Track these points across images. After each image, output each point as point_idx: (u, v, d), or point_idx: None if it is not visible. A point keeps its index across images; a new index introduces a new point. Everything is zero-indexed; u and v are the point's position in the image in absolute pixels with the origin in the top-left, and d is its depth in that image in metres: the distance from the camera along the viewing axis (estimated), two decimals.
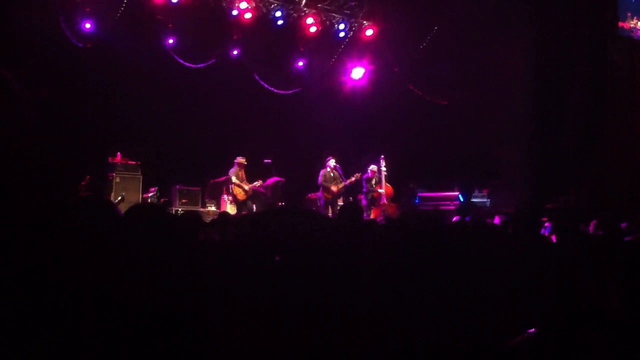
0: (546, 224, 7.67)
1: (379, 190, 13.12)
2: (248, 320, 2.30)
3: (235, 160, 12.55)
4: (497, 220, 8.25)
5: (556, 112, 14.73)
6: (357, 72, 15.44)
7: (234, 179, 12.35)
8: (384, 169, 13.16)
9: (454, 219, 9.83)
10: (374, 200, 13.11)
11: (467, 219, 10.27)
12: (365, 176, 13.22)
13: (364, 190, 13.26)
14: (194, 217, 4.81)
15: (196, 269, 2.12)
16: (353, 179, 13.05)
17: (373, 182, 13.19)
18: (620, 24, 14.82)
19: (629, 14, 15.05)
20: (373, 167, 13.19)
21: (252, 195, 12.63)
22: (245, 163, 12.57)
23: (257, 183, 12.67)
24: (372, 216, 12.56)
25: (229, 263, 2.89)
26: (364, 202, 13.25)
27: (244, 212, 11.57)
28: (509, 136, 14.58)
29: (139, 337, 1.83)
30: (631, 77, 15.19)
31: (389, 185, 13.22)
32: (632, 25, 14.93)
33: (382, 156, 13.18)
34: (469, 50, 14.36)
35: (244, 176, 12.55)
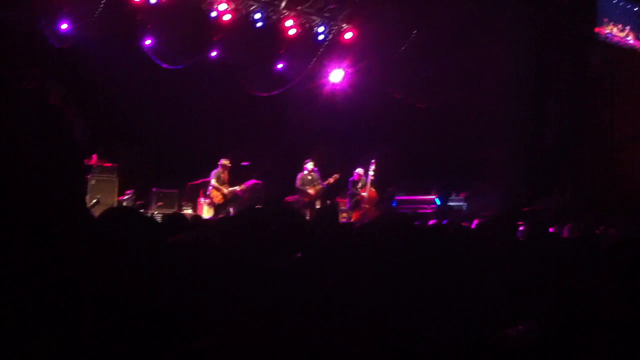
0: (520, 227, 7.72)
1: (362, 194, 13.12)
2: (246, 320, 2.28)
3: (219, 162, 12.45)
4: (474, 223, 8.26)
5: (538, 114, 14.87)
6: (337, 75, 15.45)
7: (213, 181, 12.27)
8: (371, 173, 13.15)
9: (431, 222, 9.88)
10: (357, 203, 13.12)
11: (444, 222, 10.35)
12: (351, 179, 13.25)
13: (349, 192, 13.29)
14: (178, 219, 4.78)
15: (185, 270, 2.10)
16: (331, 180, 13.06)
17: (359, 185, 13.21)
18: (597, 29, 14.98)
19: (605, 20, 15.22)
20: (359, 170, 13.22)
21: (231, 198, 12.54)
22: (229, 165, 12.48)
23: (239, 187, 12.56)
24: (352, 219, 12.56)
25: (222, 264, 2.87)
26: (347, 204, 13.27)
27: (220, 216, 11.50)
28: (490, 139, 14.67)
29: (137, 338, 1.82)
30: (611, 81, 15.39)
31: (373, 189, 13.23)
32: (607, 31, 15.09)
33: (373, 161, 13.17)
34: (449, 52, 14.42)
35: (226, 178, 12.45)
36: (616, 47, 15.25)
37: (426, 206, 13.69)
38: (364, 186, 13.19)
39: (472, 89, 14.56)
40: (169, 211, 12.20)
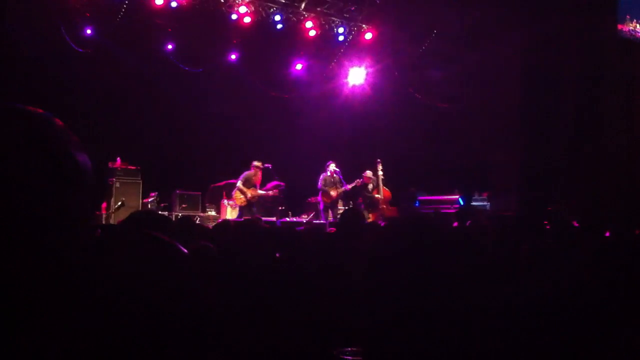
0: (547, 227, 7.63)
1: (377, 196, 13.10)
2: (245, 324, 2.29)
3: (252, 163, 12.37)
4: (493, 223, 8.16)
5: (550, 117, 14.71)
6: (357, 75, 15.44)
7: (239, 183, 12.15)
8: (380, 173, 13.13)
9: (454, 224, 9.82)
10: (372, 205, 13.09)
11: (467, 222, 10.30)
12: (361, 183, 13.16)
13: (361, 195, 13.25)
14: (188, 224, 4.78)
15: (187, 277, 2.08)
16: (354, 184, 13.02)
17: (370, 187, 13.17)
18: (620, 26, 14.81)
19: (628, 17, 15.05)
20: (368, 172, 13.15)
21: (255, 201, 12.46)
22: (262, 167, 12.41)
23: (263, 192, 12.48)
24: (371, 219, 12.53)
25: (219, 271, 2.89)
26: (362, 206, 13.22)
27: (244, 217, 11.53)
28: (504, 140, 14.58)
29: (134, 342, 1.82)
30: (630, 79, 15.18)
31: (386, 189, 13.20)
32: (631, 28, 14.92)
33: (379, 160, 13.14)
34: (467, 53, 14.36)
35: (259, 180, 12.35)
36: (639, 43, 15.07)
37: (449, 206, 13.60)
38: (375, 187, 13.16)
39: (488, 89, 14.49)
40: (193, 213, 12.29)
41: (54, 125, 0.92)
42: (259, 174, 12.31)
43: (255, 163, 12.31)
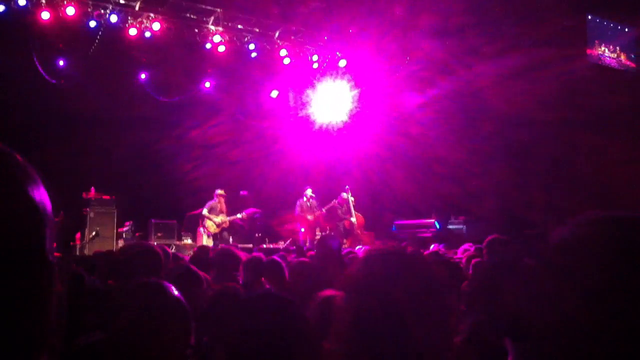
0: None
1: (351, 219, 13.15)
2: None
3: (215, 192, 12.51)
4: (472, 249, 8.13)
5: (529, 141, 14.89)
6: (332, 102, 15.56)
7: (204, 211, 12.33)
8: (351, 199, 13.23)
9: (432, 247, 9.83)
10: (346, 230, 13.15)
11: (441, 246, 10.31)
12: (336, 204, 13.26)
13: (337, 219, 13.31)
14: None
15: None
16: (331, 204, 13.08)
17: (340, 212, 13.24)
18: (589, 51, 15.11)
19: (597, 41, 15.36)
20: (344, 194, 13.27)
21: (229, 227, 12.57)
22: (225, 194, 12.53)
23: (239, 215, 12.60)
24: (347, 245, 12.54)
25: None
26: (333, 231, 13.28)
27: (220, 245, 11.50)
28: (482, 164, 14.71)
29: None
30: (599, 102, 15.42)
31: (359, 214, 13.29)
32: (599, 52, 15.22)
33: (347, 187, 13.26)
34: (442, 80, 14.54)
35: (223, 208, 12.49)
36: (608, 68, 15.36)
37: (425, 230, 13.66)
38: (347, 212, 13.23)
39: (465, 115, 14.66)
40: (169, 242, 12.23)
41: (11, 161, 0.89)
42: (222, 201, 12.44)
43: (218, 191, 12.45)
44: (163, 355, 1.83)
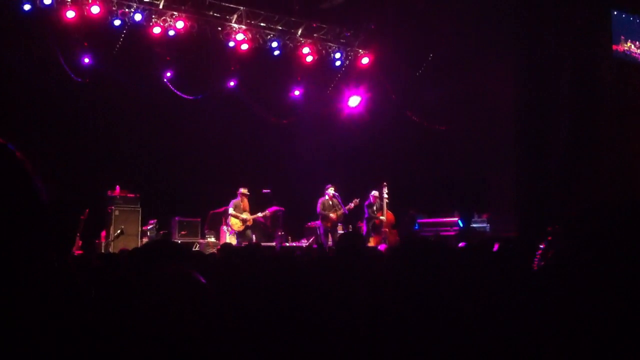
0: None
1: (381, 218, 13.09)
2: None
3: (238, 191, 12.50)
4: (496, 247, 8.07)
5: (545, 136, 14.71)
6: (354, 100, 15.52)
7: (230, 210, 12.32)
8: (385, 195, 13.14)
9: (460, 244, 9.76)
10: (376, 227, 13.08)
11: (462, 244, 10.22)
12: (367, 202, 13.20)
13: (366, 216, 13.23)
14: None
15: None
16: (352, 205, 13.03)
17: (374, 208, 13.17)
18: (614, 47, 14.92)
19: (622, 37, 15.17)
20: (375, 192, 13.18)
21: (252, 225, 12.56)
22: (248, 193, 12.52)
23: (261, 214, 12.59)
24: (372, 243, 12.51)
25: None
26: (364, 228, 13.21)
27: (243, 243, 11.53)
28: (502, 161, 14.57)
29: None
30: (623, 99, 15.24)
31: (390, 212, 13.20)
32: (625, 48, 15.03)
33: (385, 183, 13.16)
34: (463, 74, 14.42)
35: (246, 206, 12.47)
36: (634, 64, 15.17)
37: (449, 228, 13.58)
38: (379, 209, 13.16)
39: (486, 110, 14.51)
40: (192, 239, 12.29)
41: (9, 157, 0.89)
42: (246, 200, 12.43)
43: (242, 190, 12.42)
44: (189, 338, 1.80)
